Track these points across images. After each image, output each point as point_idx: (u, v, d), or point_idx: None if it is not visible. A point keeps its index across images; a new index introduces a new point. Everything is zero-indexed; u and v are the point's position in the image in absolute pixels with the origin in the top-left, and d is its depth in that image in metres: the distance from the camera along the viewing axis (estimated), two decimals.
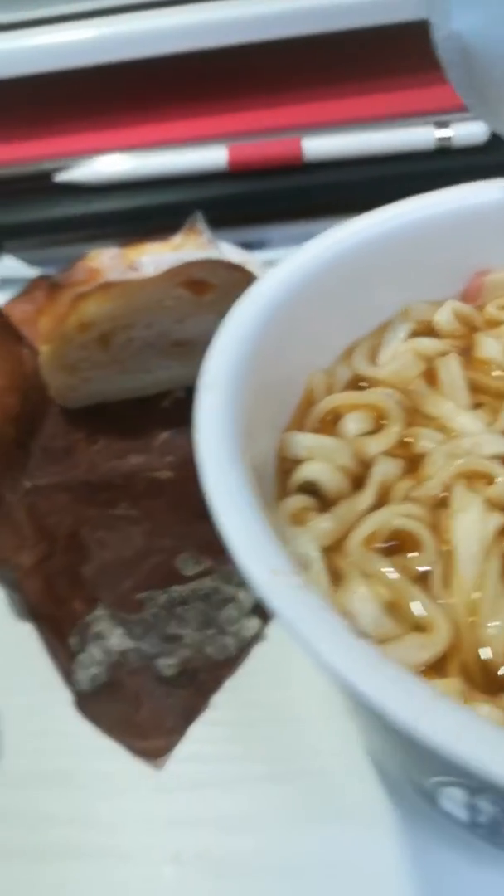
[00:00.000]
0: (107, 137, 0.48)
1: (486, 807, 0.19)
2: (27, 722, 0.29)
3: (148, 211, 0.48)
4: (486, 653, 0.20)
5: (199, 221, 0.39)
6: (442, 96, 0.47)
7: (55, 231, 0.49)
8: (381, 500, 0.23)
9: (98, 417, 0.39)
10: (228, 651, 0.29)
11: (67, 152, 0.47)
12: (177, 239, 0.38)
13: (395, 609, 0.21)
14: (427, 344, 0.28)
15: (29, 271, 0.47)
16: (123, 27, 0.46)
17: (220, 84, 0.48)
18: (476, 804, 0.19)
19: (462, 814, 0.20)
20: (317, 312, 0.26)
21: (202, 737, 0.28)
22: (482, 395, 0.27)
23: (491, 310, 0.29)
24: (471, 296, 0.30)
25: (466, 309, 0.29)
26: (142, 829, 0.26)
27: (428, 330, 0.29)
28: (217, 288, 0.36)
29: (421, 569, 0.21)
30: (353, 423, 0.26)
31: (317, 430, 0.26)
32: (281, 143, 0.47)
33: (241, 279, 0.35)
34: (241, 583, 0.31)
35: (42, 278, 0.43)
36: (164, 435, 0.38)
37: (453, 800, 0.20)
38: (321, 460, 0.24)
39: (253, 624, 0.30)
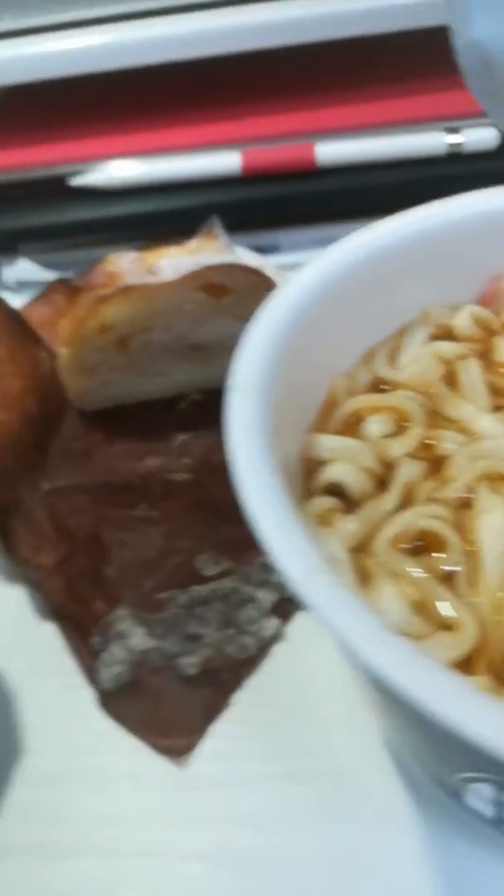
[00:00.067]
0: (122, 142, 0.48)
1: None
2: (50, 720, 0.29)
3: (162, 215, 0.48)
4: None
5: (216, 226, 0.39)
6: (453, 102, 0.48)
7: (70, 234, 0.49)
8: (405, 502, 0.24)
9: (115, 419, 0.39)
10: (248, 650, 0.30)
11: (83, 156, 0.48)
12: (194, 243, 0.39)
13: (421, 608, 0.21)
14: (446, 347, 0.29)
15: (45, 274, 0.48)
16: (139, 33, 0.46)
17: (235, 89, 0.49)
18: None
19: (489, 810, 0.20)
20: (339, 315, 0.27)
21: (223, 735, 0.28)
22: (501, 399, 0.27)
23: None
24: (487, 300, 0.31)
25: (485, 313, 0.30)
26: (166, 826, 0.27)
27: (447, 334, 0.29)
28: (235, 292, 0.36)
29: (447, 569, 0.22)
30: (375, 425, 0.26)
31: (339, 432, 0.26)
32: (294, 148, 0.47)
33: (258, 283, 0.36)
34: (261, 583, 0.31)
35: (60, 281, 0.43)
36: (181, 437, 0.38)
37: (480, 796, 0.20)
38: (346, 462, 0.24)
39: (272, 624, 0.30)
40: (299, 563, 0.18)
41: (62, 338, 0.37)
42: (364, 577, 0.22)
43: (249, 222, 0.47)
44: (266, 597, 0.31)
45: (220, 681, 0.29)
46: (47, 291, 0.43)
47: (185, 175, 0.48)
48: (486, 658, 0.20)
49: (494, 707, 0.15)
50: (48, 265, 0.49)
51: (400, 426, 0.26)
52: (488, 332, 0.29)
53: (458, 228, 0.29)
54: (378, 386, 0.28)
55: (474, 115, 0.47)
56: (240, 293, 0.36)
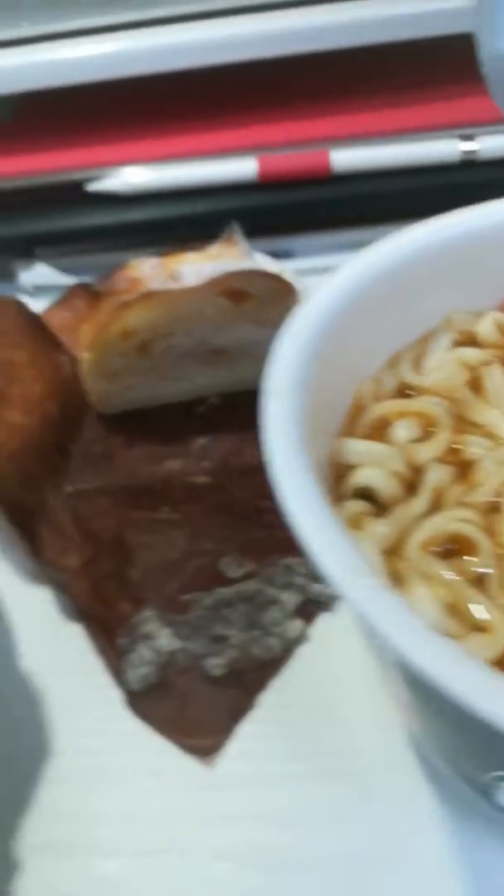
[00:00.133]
0: (139, 148, 0.49)
1: None
2: (76, 720, 0.29)
3: (178, 220, 0.49)
4: None
5: (236, 232, 0.40)
6: (468, 109, 0.49)
7: (86, 239, 0.49)
8: (435, 506, 0.24)
9: (135, 423, 0.39)
10: (273, 652, 0.30)
11: (99, 162, 0.48)
12: (215, 249, 0.39)
13: (454, 610, 0.21)
14: (470, 354, 0.29)
15: (62, 279, 0.48)
16: (157, 40, 0.47)
17: (251, 96, 0.49)
18: None
19: None
20: (367, 321, 0.27)
21: (249, 735, 0.29)
22: None
23: None
24: None
25: None
26: (192, 825, 0.27)
27: (470, 340, 0.30)
28: (255, 297, 0.36)
29: (478, 571, 0.22)
30: (402, 430, 0.26)
31: (367, 437, 0.27)
32: (309, 154, 0.48)
33: (278, 289, 0.36)
34: (284, 585, 0.32)
35: (80, 286, 0.44)
36: (200, 440, 0.38)
37: None
38: (375, 466, 0.25)
39: (296, 625, 0.31)
40: (341, 564, 0.18)
41: (84, 343, 0.37)
42: (397, 580, 0.22)
43: (264, 228, 0.48)
44: (289, 598, 0.31)
45: (246, 681, 0.29)
46: (68, 296, 0.43)
47: (200, 181, 0.48)
48: None
49: None
50: (65, 270, 0.49)
51: (426, 431, 0.27)
52: None
53: (481, 236, 0.29)
54: (403, 391, 0.28)
55: (489, 123, 0.47)
56: (260, 299, 0.36)
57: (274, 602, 0.31)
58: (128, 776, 0.28)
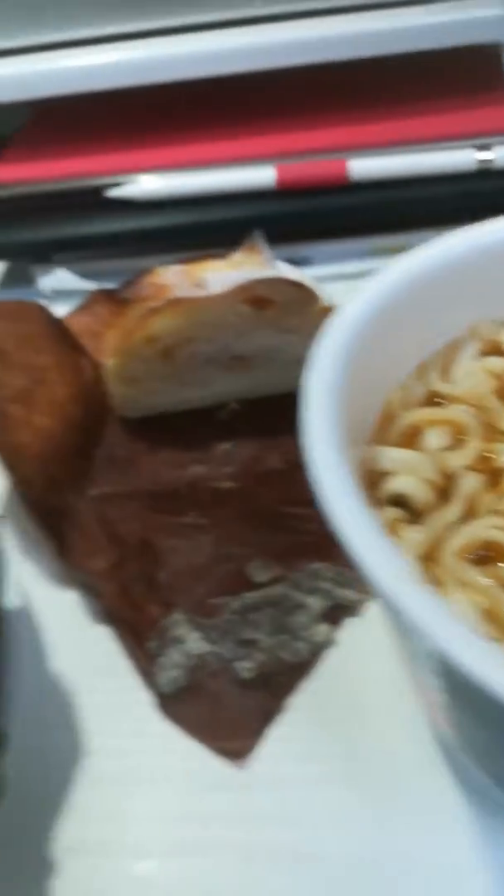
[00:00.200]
0: (158, 155, 0.49)
1: None
2: (108, 722, 0.30)
3: (196, 227, 0.49)
4: None
5: (259, 240, 0.40)
6: (484, 119, 0.49)
7: (105, 245, 0.50)
8: (468, 513, 0.25)
9: (156, 428, 0.40)
10: (302, 655, 0.30)
11: (119, 169, 0.49)
12: (237, 257, 0.40)
13: (491, 616, 0.22)
14: (497, 363, 0.29)
15: (80, 284, 0.48)
16: (177, 48, 0.47)
17: (270, 105, 0.50)
18: None
19: None
20: (397, 329, 0.28)
21: (279, 738, 0.29)
22: None
23: None
24: None
25: None
26: (224, 826, 0.27)
27: (494, 349, 0.30)
28: (278, 304, 0.37)
29: None
30: (433, 438, 0.27)
31: (398, 444, 0.27)
32: (327, 163, 0.48)
33: (301, 296, 0.37)
34: (311, 590, 0.32)
35: (102, 292, 0.44)
36: (223, 446, 0.39)
37: None
38: (409, 473, 0.25)
39: (323, 630, 0.31)
40: (386, 566, 0.18)
41: (109, 348, 0.38)
42: (435, 586, 0.23)
43: (283, 235, 0.48)
44: (316, 603, 0.32)
45: (276, 685, 0.30)
46: (89, 302, 0.44)
47: (219, 188, 0.49)
48: None
49: None
50: (82, 275, 0.50)
51: (457, 439, 0.27)
52: None
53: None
54: (432, 399, 0.29)
55: None
56: (282, 306, 0.37)
57: (301, 606, 0.31)
58: (160, 777, 0.28)
